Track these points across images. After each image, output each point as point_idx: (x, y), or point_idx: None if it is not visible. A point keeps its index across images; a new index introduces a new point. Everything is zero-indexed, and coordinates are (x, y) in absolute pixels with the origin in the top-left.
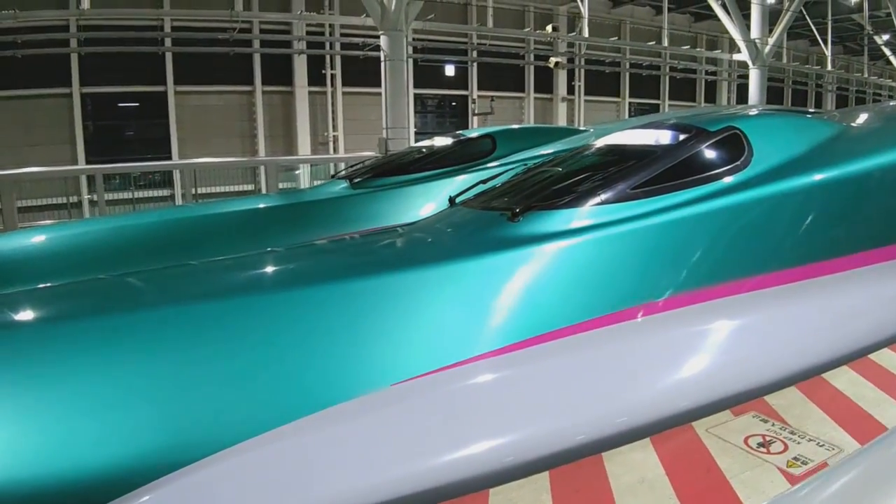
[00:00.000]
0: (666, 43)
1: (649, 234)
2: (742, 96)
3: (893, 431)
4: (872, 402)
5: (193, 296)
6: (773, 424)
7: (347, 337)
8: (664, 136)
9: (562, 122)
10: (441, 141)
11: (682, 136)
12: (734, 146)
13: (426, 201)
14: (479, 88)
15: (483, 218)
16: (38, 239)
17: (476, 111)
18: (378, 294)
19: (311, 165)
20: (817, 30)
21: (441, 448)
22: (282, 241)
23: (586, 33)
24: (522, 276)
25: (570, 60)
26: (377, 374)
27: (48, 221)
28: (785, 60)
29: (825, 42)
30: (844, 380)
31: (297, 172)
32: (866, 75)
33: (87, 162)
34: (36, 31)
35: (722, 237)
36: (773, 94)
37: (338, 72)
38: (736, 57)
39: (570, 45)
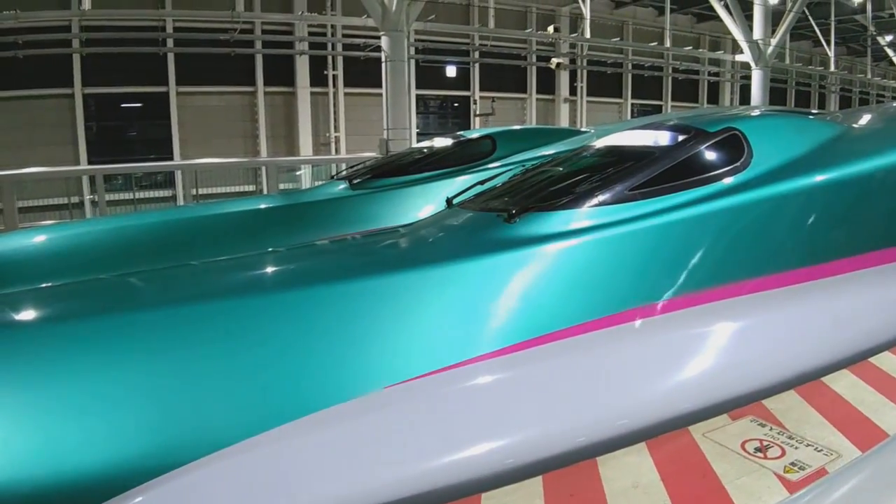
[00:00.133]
0: (668, 44)
1: (647, 235)
2: (745, 97)
3: (894, 440)
4: (872, 406)
5: (190, 297)
6: (770, 429)
7: (341, 339)
8: (663, 137)
9: (564, 123)
10: (441, 142)
11: (681, 137)
12: (734, 147)
13: (426, 202)
14: (481, 89)
15: (479, 219)
16: (39, 239)
17: (478, 112)
18: (372, 296)
19: (313, 166)
20: (820, 31)
21: (434, 451)
22: (281, 242)
23: (588, 34)
24: (518, 278)
25: (573, 61)
26: (372, 376)
27: (49, 222)
28: (788, 61)
29: (828, 43)
30: (844, 383)
31: (298, 173)
32: (869, 76)
33: (89, 162)
34: (37, 32)
35: (721, 239)
36: (776, 95)
37: (339, 72)
38: (739, 58)
39: (573, 45)
